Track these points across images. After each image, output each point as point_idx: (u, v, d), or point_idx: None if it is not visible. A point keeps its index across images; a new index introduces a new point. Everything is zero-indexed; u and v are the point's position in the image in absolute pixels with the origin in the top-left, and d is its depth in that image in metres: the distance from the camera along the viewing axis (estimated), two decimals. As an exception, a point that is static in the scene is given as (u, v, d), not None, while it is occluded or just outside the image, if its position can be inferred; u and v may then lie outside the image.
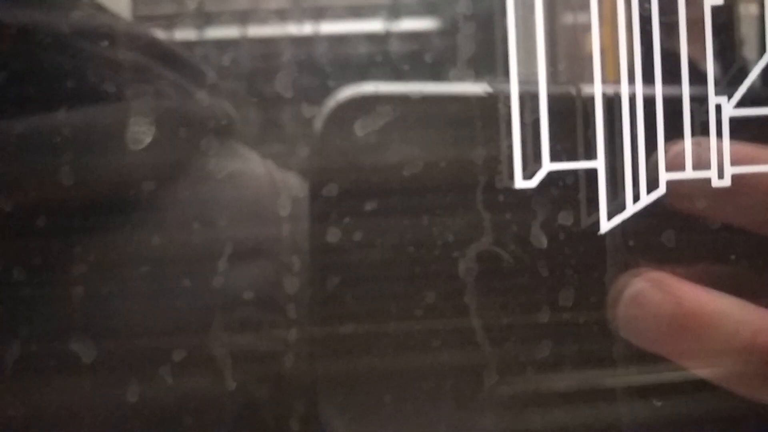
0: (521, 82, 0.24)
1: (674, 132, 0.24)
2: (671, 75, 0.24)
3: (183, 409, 0.25)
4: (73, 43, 0.25)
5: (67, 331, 0.24)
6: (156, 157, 0.26)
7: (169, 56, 0.27)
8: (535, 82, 0.24)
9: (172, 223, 0.26)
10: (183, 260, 0.25)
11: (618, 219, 0.24)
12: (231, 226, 0.26)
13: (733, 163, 0.24)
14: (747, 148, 0.24)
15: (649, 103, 0.24)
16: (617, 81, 0.24)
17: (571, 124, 0.24)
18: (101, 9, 0.27)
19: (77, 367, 0.24)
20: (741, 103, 0.24)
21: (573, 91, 0.24)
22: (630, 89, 0.24)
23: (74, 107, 0.25)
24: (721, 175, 0.24)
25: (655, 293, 0.23)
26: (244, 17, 0.28)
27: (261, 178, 0.27)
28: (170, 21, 0.27)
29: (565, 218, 0.24)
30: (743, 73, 0.24)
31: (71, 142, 0.24)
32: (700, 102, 0.24)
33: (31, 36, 0.25)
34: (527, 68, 0.24)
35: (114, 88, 0.25)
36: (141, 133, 0.25)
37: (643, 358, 0.24)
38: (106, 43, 0.26)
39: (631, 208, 0.24)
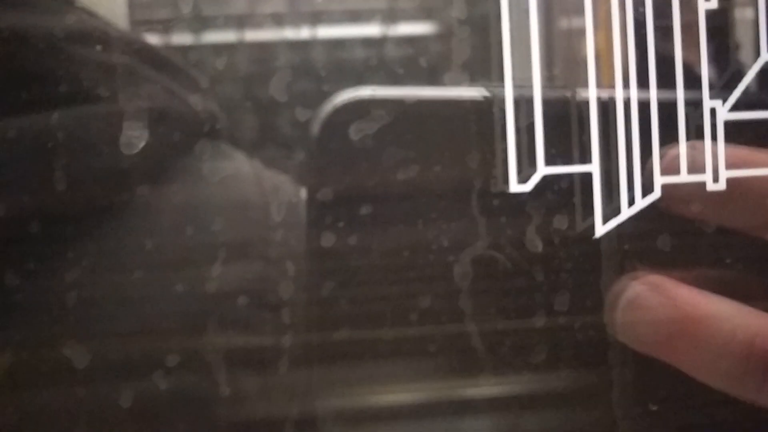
0: (516, 87, 0.24)
1: (669, 136, 0.24)
2: (666, 79, 0.24)
3: (176, 415, 0.25)
4: (66, 48, 0.25)
5: (59, 336, 0.24)
6: (147, 161, 0.26)
7: (160, 61, 0.27)
8: (530, 87, 0.24)
9: (164, 228, 0.26)
10: (176, 264, 0.25)
11: (613, 223, 0.24)
12: (223, 229, 0.26)
13: (728, 166, 0.24)
14: (742, 152, 0.24)
15: (644, 107, 0.24)
16: (612, 85, 0.24)
17: (566, 128, 0.24)
18: (93, 14, 0.27)
19: (70, 372, 0.24)
20: (735, 107, 0.24)
21: (568, 95, 0.24)
22: (625, 93, 0.24)
23: (67, 111, 0.25)
24: (716, 179, 0.24)
25: (653, 296, 0.23)
26: (240, 22, 0.28)
27: (253, 181, 0.27)
28: (167, 25, 0.27)
29: (560, 222, 0.24)
30: (738, 77, 0.24)
31: (64, 147, 0.24)
32: (694, 106, 0.24)
33: (24, 40, 0.25)
34: (522, 72, 0.24)
35: (107, 93, 0.25)
36: (134, 137, 0.25)
37: (639, 361, 0.24)
38: (98, 47, 0.26)
39: (626, 212, 0.24)
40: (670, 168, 0.24)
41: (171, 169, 0.26)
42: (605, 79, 0.24)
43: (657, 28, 0.24)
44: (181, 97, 0.27)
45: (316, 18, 0.27)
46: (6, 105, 0.25)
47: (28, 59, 0.25)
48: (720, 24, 0.24)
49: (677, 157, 0.24)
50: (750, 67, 0.24)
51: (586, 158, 0.24)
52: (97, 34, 0.26)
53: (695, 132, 0.24)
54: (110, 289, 0.25)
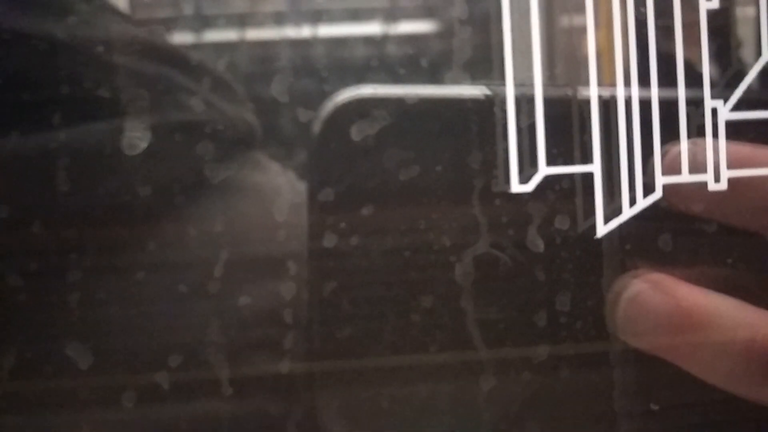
0: (517, 86, 0.24)
1: (670, 136, 0.24)
2: (667, 78, 0.24)
3: (180, 416, 0.25)
4: (105, 58, 0.25)
5: (63, 336, 0.24)
6: (186, 173, 0.25)
7: (199, 71, 0.27)
8: (532, 86, 0.24)
9: (202, 240, 0.26)
10: (182, 270, 0.25)
11: (614, 223, 0.24)
12: (260, 242, 0.26)
13: (730, 166, 0.24)
14: (744, 150, 0.24)
15: (645, 106, 0.24)
16: (613, 84, 0.24)
17: (568, 127, 0.24)
18: (129, 19, 0.27)
19: (74, 372, 0.24)
20: (737, 107, 0.24)
21: (569, 94, 0.24)
22: (626, 92, 0.24)
23: (101, 124, 0.25)
24: (717, 179, 0.24)
25: (654, 294, 0.23)
26: (242, 20, 0.28)
27: (287, 193, 0.27)
28: (168, 24, 0.27)
29: (561, 222, 0.24)
30: (739, 77, 0.24)
31: (70, 153, 0.24)
32: (696, 105, 0.24)
33: (59, 49, 0.25)
34: (524, 72, 0.24)
35: (144, 104, 0.25)
36: (136, 138, 0.25)
37: (640, 361, 0.24)
38: (138, 57, 0.26)
39: (627, 212, 0.24)
40: (672, 167, 0.24)
41: (208, 181, 0.26)
42: (606, 78, 0.24)
43: (658, 28, 0.23)
44: (219, 108, 0.27)
45: (318, 17, 0.27)
46: (40, 115, 0.24)
47: (63, 68, 0.25)
48: (721, 23, 0.24)
49: (678, 157, 0.24)
50: (752, 66, 0.24)
51: (587, 158, 0.24)
52: (137, 43, 0.26)
53: (696, 132, 0.24)
54: (123, 294, 0.25)
